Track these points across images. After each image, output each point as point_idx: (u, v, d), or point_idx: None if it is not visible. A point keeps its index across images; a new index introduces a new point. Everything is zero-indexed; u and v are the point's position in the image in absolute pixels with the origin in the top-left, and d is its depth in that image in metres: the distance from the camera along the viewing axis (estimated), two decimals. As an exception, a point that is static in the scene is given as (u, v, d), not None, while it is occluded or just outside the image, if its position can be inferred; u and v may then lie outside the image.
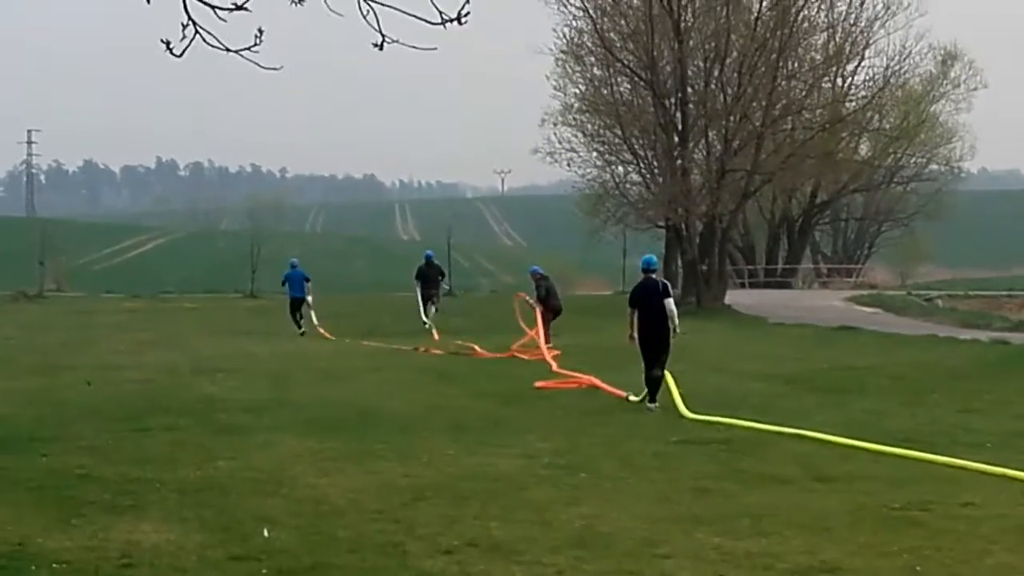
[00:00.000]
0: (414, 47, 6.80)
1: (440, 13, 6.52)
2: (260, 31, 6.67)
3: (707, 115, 41.29)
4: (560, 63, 45.71)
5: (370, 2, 6.53)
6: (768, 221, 64.03)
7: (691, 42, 41.15)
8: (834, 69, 48.83)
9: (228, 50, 6.73)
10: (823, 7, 44.33)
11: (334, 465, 11.99)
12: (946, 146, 68.42)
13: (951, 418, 15.89)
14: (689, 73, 41.22)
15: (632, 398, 17.36)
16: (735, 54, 40.65)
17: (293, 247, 72.88)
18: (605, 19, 42.27)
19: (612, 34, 42.20)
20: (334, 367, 22.90)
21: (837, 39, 47.05)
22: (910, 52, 53.86)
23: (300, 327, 32.02)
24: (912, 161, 67.68)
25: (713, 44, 40.94)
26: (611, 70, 43.00)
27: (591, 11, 42.18)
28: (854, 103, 48.95)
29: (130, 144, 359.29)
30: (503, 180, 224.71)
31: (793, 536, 8.95)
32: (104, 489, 10.64)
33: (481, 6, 6.64)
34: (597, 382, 19.24)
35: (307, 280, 32.92)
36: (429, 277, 33.38)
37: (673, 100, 41.50)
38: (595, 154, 45.96)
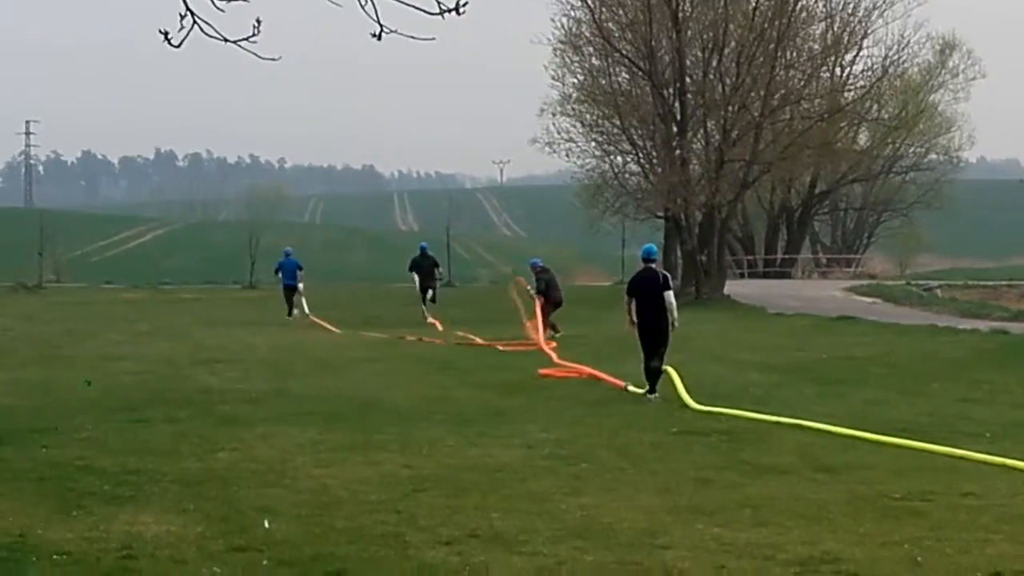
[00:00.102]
0: (412, 37, 6.81)
1: (438, 3, 6.53)
2: (258, 21, 6.67)
3: (706, 105, 41.28)
4: (558, 53, 45.71)
5: (369, -8, 6.51)
6: (767, 211, 64.00)
7: (689, 32, 41.13)
8: (832, 59, 48.85)
9: (226, 40, 6.73)
10: (821, -3, 44.35)
11: (335, 456, 11.99)
12: (945, 136, 68.61)
13: (951, 408, 15.91)
14: (687, 63, 41.21)
15: (631, 388, 17.36)
16: (733, 44, 40.62)
17: (292, 238, 72.80)
18: (603, 9, 42.21)
19: (610, 24, 42.14)
20: (334, 357, 22.92)
21: (835, 29, 47.12)
22: (909, 41, 53.92)
23: (290, 314, 32.41)
24: (911, 151, 67.75)
25: (711, 34, 40.90)
26: (609, 60, 42.96)
27: (589, 1, 42.12)
28: (853, 93, 48.98)
29: (129, 135, 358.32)
30: (502, 170, 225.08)
31: (794, 526, 8.96)
32: (104, 480, 10.64)
33: (479, -4, 6.64)
34: (596, 372, 19.24)
35: (300, 268, 33.35)
36: (424, 268, 33.63)
37: (671, 90, 41.48)
38: (594, 144, 46.04)
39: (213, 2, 6.59)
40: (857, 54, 50.56)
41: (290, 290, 33.36)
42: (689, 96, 41.17)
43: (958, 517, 9.26)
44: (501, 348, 25.05)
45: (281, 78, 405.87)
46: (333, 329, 30.41)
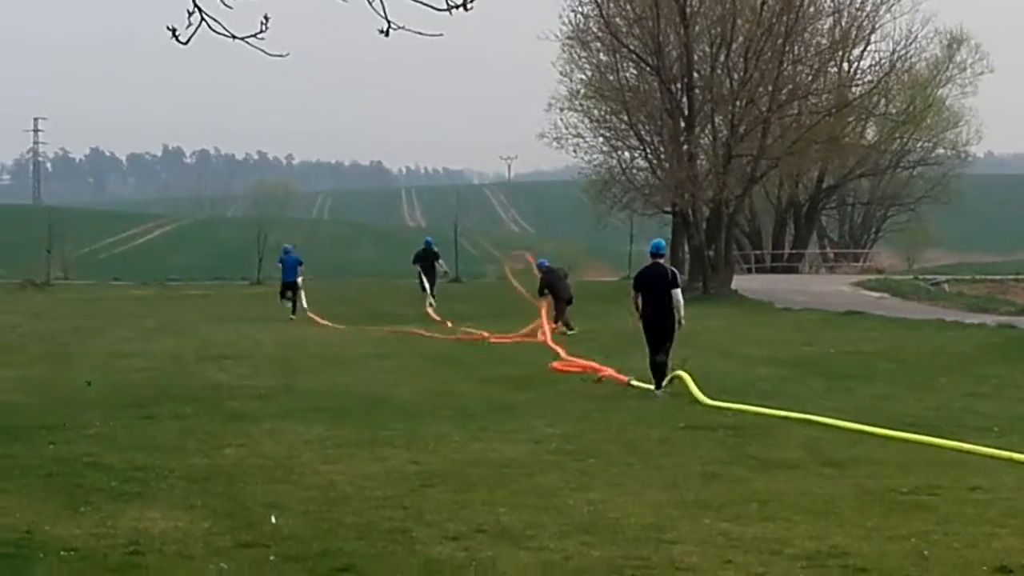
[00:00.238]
0: (420, 33, 6.80)
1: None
2: (266, 18, 6.66)
3: (713, 100, 41.21)
4: (566, 49, 45.61)
5: (376, -12, 6.51)
6: (775, 206, 63.92)
7: (697, 27, 41.08)
8: (840, 54, 48.71)
9: (234, 37, 6.73)
10: (829, -8, 44.30)
11: (342, 452, 12.00)
12: (952, 130, 68.43)
13: (958, 402, 15.88)
14: (695, 58, 41.16)
15: (635, 383, 17.35)
16: (741, 39, 40.58)
17: (299, 234, 72.99)
18: (611, 4, 42.12)
19: (618, 19, 42.06)
20: (341, 354, 22.94)
21: (843, 24, 46.95)
22: (916, 36, 53.68)
23: (293, 312, 32.66)
24: (918, 145, 67.64)
25: (719, 29, 40.86)
26: (617, 55, 42.87)
27: (596, -3, 42.05)
28: (860, 88, 48.89)
29: (136, 132, 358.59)
30: (509, 166, 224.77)
31: (801, 521, 8.96)
32: (112, 476, 10.66)
33: (487, -8, 6.63)
34: (601, 369, 19.15)
35: (300, 264, 33.59)
36: (426, 261, 34.99)
37: (679, 85, 41.42)
38: (601, 139, 45.90)
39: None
40: (865, 49, 50.62)
41: (288, 286, 33.54)
42: (697, 91, 41.12)
43: (965, 511, 9.26)
44: (493, 341, 25.46)
45: (289, 74, 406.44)
46: (330, 325, 30.45)
